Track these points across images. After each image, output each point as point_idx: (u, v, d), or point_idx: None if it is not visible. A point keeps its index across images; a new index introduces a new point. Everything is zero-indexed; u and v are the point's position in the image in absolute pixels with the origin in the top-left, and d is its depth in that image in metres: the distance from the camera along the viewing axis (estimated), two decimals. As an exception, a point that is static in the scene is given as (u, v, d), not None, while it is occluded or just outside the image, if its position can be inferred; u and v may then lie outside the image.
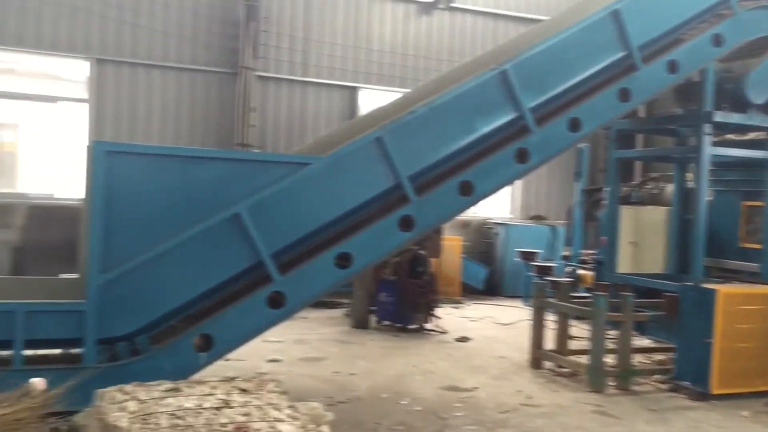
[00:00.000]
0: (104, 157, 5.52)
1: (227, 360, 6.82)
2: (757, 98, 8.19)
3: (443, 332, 10.05)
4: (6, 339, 5.33)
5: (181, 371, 5.32)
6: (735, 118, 8.28)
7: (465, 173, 6.47)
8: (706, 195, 8.46)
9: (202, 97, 12.75)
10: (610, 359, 7.51)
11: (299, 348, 8.67)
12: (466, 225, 14.56)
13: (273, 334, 7.64)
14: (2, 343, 5.39)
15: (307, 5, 13.40)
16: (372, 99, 13.68)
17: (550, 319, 8.41)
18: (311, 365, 7.83)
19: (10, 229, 11.35)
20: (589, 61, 6.95)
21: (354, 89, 13.82)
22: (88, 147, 6.17)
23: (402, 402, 6.50)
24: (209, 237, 5.79)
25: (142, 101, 12.41)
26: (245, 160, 6.35)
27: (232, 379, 4.18)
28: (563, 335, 8.18)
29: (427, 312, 10.29)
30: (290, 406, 3.79)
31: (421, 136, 6.38)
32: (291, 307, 6.15)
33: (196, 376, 4.69)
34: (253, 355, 7.77)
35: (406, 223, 6.36)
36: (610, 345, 7.51)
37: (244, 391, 3.98)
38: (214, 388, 3.98)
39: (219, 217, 5.81)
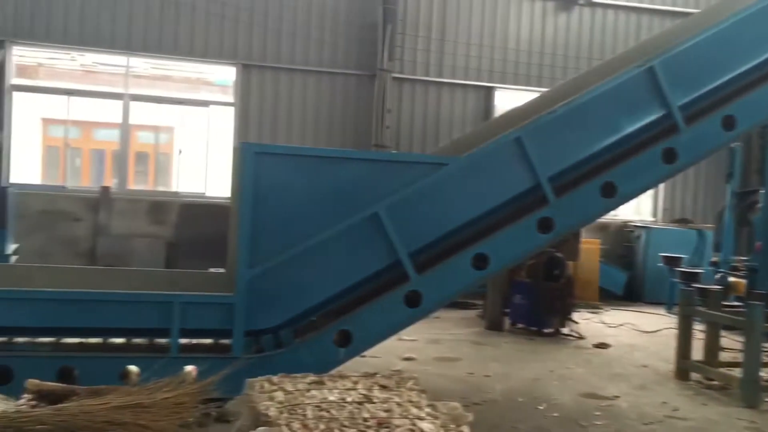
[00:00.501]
0: (253, 158, 5.79)
1: (363, 356, 6.98)
2: None
3: (580, 338, 9.76)
4: (164, 327, 5.73)
5: (322, 365, 5.49)
6: None
7: (608, 174, 6.27)
8: None
9: (340, 99, 13.11)
10: (765, 373, 7.00)
11: (433, 348, 8.71)
12: (604, 228, 14.07)
13: (407, 332, 7.74)
14: (160, 331, 5.81)
15: (443, 6, 13.45)
16: (508, 99, 13.52)
17: (698, 329, 7.96)
18: (445, 365, 7.84)
19: (164, 225, 12.17)
20: (747, 55, 6.52)
21: (489, 89, 13.71)
22: (235, 148, 6.50)
23: (539, 407, 6.37)
24: (349, 236, 5.95)
25: (283, 104, 12.92)
26: (385, 161, 6.46)
27: (373, 375, 4.26)
28: (713, 346, 7.71)
29: (564, 316, 10.03)
30: (430, 405, 3.81)
31: (562, 137, 6.24)
32: (427, 306, 6.21)
33: (338, 371, 4.82)
34: (388, 353, 7.89)
35: (545, 225, 6.24)
36: (766, 358, 7.00)
37: (384, 387, 4.05)
38: (355, 383, 4.08)
39: (359, 216, 5.95)
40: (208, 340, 6.05)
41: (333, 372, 4.61)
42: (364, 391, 3.94)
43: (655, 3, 14.36)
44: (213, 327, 5.87)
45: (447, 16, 13.47)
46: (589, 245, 12.61)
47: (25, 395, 3.54)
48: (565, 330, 9.97)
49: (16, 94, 11.95)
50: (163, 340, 5.84)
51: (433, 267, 6.17)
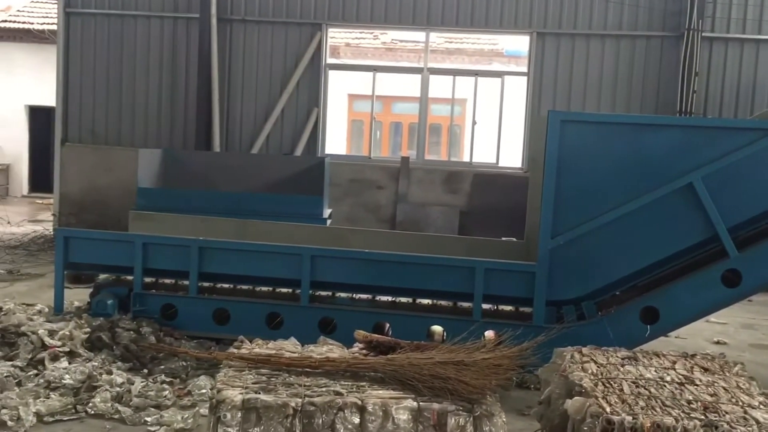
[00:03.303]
0: (559, 126, 5.70)
1: (667, 336, 6.59)
2: None
3: None
4: (467, 292, 5.94)
5: (625, 341, 5.28)
6: None
7: None
8: None
9: (640, 63, 12.31)
10: None
11: (747, 333, 7.92)
12: None
13: (716, 315, 7.15)
14: (463, 295, 6.04)
15: (765, -47, 11.94)
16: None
17: None
18: (764, 353, 7.09)
19: (458, 194, 12.58)
20: None
21: (822, 44, 11.92)
22: (531, 118, 6.44)
23: None
24: (659, 207, 5.63)
25: (578, 72, 12.48)
26: (701, 127, 5.97)
27: (692, 356, 3.98)
28: None
29: None
30: (762, 394, 3.47)
31: None
32: (747, 287, 5.69)
33: (650, 348, 4.59)
34: (695, 334, 7.36)
35: None
36: None
37: (706, 370, 3.77)
38: (673, 362, 3.84)
39: (670, 186, 5.60)
40: (509, 308, 6.15)
41: (645, 349, 4.39)
42: (684, 372, 3.70)
43: None
44: (514, 294, 5.96)
45: (769, -36, 11.93)
46: None
47: (356, 345, 3.90)
48: None
49: (329, 73, 13.12)
50: (466, 304, 6.07)
51: (757, 245, 5.59)
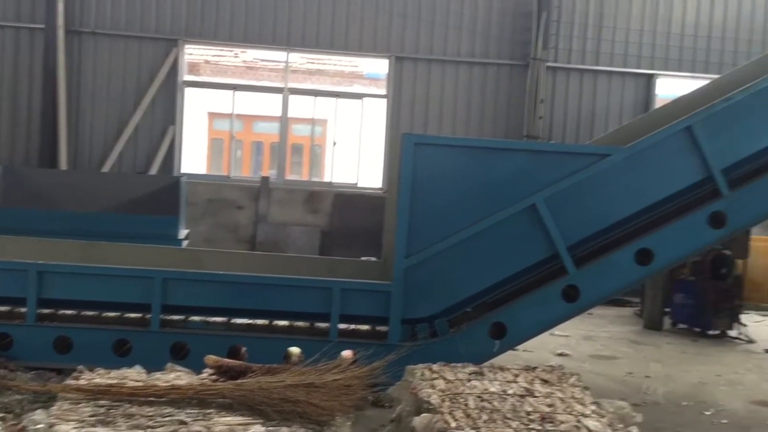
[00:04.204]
0: (412, 148, 5.85)
1: (516, 350, 6.90)
2: None
3: (750, 341, 9.10)
4: (324, 312, 5.94)
5: (475, 356, 5.46)
6: None
7: (792, 166, 5.79)
8: None
9: (491, 89, 12.96)
10: None
11: (588, 344, 8.44)
12: (777, 224, 13.00)
13: (560, 328, 7.54)
14: (321, 315, 6.03)
15: (601, -9, 12.94)
16: (670, 87, 12.80)
17: None
18: (602, 363, 7.58)
19: (319, 214, 12.61)
20: None
21: (650, 77, 13.04)
22: (389, 140, 6.61)
23: (705, 412, 6.00)
24: (506, 227, 5.88)
25: (434, 95, 12.96)
26: (544, 152, 6.31)
27: (534, 368, 4.19)
28: None
29: (731, 318, 9.39)
30: (594, 402, 3.69)
31: (739, 126, 5.84)
32: (585, 302, 6.03)
33: (497, 363, 4.78)
34: (541, 347, 7.74)
35: (717, 220, 5.88)
36: None
37: (545, 381, 3.97)
38: (516, 375, 4.03)
39: (515, 207, 5.87)
40: (366, 327, 6.20)
41: (492, 363, 4.57)
42: (525, 385, 3.88)
43: (843, -22, 13.04)
44: (371, 314, 6.01)
45: (605, 3, 12.93)
46: (762, 243, 11.69)
47: (206, 370, 3.79)
48: (732, 332, 9.34)
49: (186, 90, 12.79)
50: (323, 325, 6.06)
51: (593, 261, 5.98)
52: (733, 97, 5.89)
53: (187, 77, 12.83)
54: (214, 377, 3.67)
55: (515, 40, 12.81)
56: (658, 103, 11.92)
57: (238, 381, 3.45)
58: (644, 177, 5.93)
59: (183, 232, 9.31)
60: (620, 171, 5.92)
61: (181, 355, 5.73)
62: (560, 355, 7.78)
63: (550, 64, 12.75)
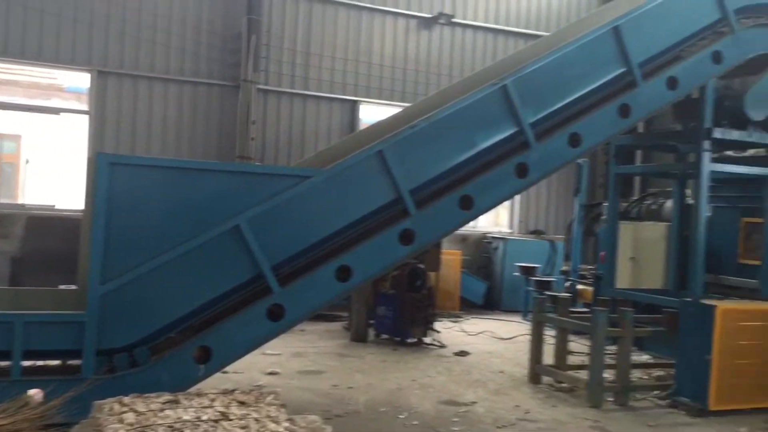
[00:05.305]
0: (107, 168, 5.53)
1: (225, 372, 6.83)
2: (756, 115, 8.23)
3: (442, 346, 10.04)
4: (5, 349, 5.33)
5: (180, 383, 5.33)
6: (734, 135, 8.33)
7: (465, 187, 6.50)
8: (706, 211, 8.49)
9: (203, 109, 12.80)
10: (609, 375, 7.50)
11: (297, 361, 8.65)
12: (465, 239, 14.57)
13: (271, 347, 7.67)
14: (1, 353, 5.40)
15: (308, 19, 13.47)
16: (372, 113, 13.74)
17: (550, 335, 8.41)
18: (309, 378, 7.81)
19: (9, 239, 11.35)
20: (590, 77, 6.99)
21: (354, 103, 13.87)
22: (89, 158, 6.20)
23: (400, 416, 6.48)
24: (209, 249, 5.80)
25: (142, 113, 12.44)
26: (246, 173, 6.34)
27: (231, 391, 4.16)
28: (562, 350, 8.17)
29: (426, 326, 10.28)
30: (289, 419, 3.78)
31: (422, 150, 6.41)
32: (290, 319, 6.15)
33: (195, 389, 4.67)
34: (251, 368, 7.77)
35: (407, 237, 6.37)
36: (610, 360, 7.49)
37: (242, 403, 3.97)
38: (212, 400, 3.97)
39: (219, 229, 5.82)
40: (56, 362, 5.69)
41: (191, 390, 4.46)
42: (221, 409, 3.84)
43: (511, 25, 15.10)
44: (60, 347, 5.53)
45: (312, 30, 13.51)
46: (451, 256, 13.01)
47: None
48: (427, 339, 10.22)
49: None
50: (4, 363, 5.44)
51: (297, 280, 6.14)
52: (417, 125, 6.47)
53: None
54: None
55: (226, 61, 12.81)
56: (362, 127, 12.70)
57: None
58: (343, 197, 6.24)
59: None
60: (321, 192, 6.16)
61: None
62: (270, 374, 7.86)
63: (261, 86, 12.95)
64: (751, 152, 9.10)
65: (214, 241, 5.80)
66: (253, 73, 12.62)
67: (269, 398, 4.08)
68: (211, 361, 5.84)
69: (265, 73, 13.07)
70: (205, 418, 3.68)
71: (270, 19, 13.08)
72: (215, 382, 5.91)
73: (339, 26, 13.73)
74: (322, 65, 13.57)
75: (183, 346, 5.80)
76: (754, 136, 8.40)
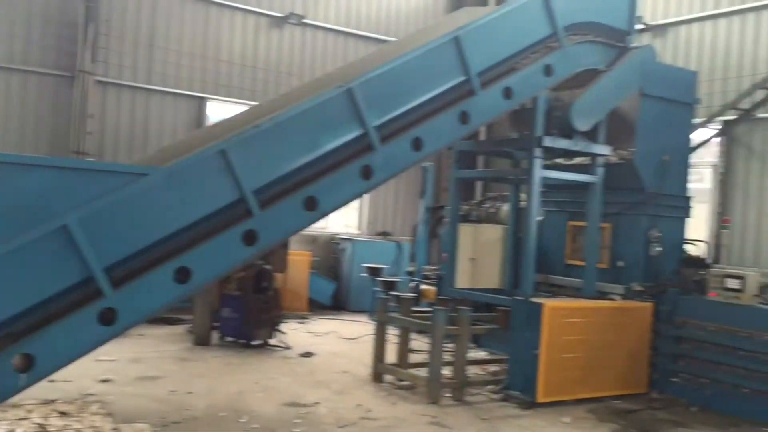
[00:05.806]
0: None
1: (52, 381, 6.35)
2: (582, 126, 8.83)
3: (287, 348, 9.98)
4: None
5: (-2, 394, 4.93)
6: (562, 143, 8.89)
7: (310, 188, 6.50)
8: (537, 215, 9.01)
9: (34, 100, 11.94)
10: (447, 371, 7.77)
11: (134, 367, 8.27)
12: (314, 240, 14.59)
13: (105, 352, 7.27)
14: None
15: (152, 11, 12.94)
16: (221, 111, 13.42)
17: (394, 334, 8.59)
18: (146, 384, 7.48)
19: None
20: (432, 84, 7.22)
21: (202, 99, 13.49)
22: None
23: (240, 420, 6.37)
24: (33, 250, 5.40)
25: (-36, 102, 11.43)
26: (76, 169, 5.96)
27: (52, 401, 3.91)
28: (404, 349, 8.38)
29: (272, 327, 10.18)
30: (114, 429, 3.60)
31: (266, 151, 6.33)
32: (123, 323, 5.84)
33: (13, 400, 4.34)
34: (83, 375, 7.31)
35: (250, 238, 6.26)
36: (448, 358, 7.77)
37: (63, 413, 3.75)
38: (30, 411, 3.72)
39: (44, 228, 5.44)
40: None
41: (6, 402, 4.13)
42: (39, 420, 3.60)
43: (361, 29, 15.30)
44: None
45: (157, 22, 12.99)
46: (299, 257, 12.98)
47: None
48: (272, 341, 10.12)
49: None
50: None
51: (132, 282, 5.87)
52: (262, 125, 6.39)
53: None
54: None
55: (61, 50, 12.04)
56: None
57: None
58: (183, 197, 6.02)
59: None
60: (158, 190, 5.92)
61: None
62: (103, 381, 7.44)
63: (100, 78, 12.29)
64: (577, 160, 9.76)
65: (39, 241, 5.42)
66: (90, 64, 11.95)
67: (94, 407, 3.87)
68: (34, 369, 5.44)
69: (104, 65, 12.41)
70: (20, 430, 3.43)
71: (110, 7, 12.44)
72: (40, 392, 5.50)
73: (186, 20, 13.30)
74: (168, 59, 13.08)
75: (1, 354, 5.36)
76: (580, 145, 9.01)
